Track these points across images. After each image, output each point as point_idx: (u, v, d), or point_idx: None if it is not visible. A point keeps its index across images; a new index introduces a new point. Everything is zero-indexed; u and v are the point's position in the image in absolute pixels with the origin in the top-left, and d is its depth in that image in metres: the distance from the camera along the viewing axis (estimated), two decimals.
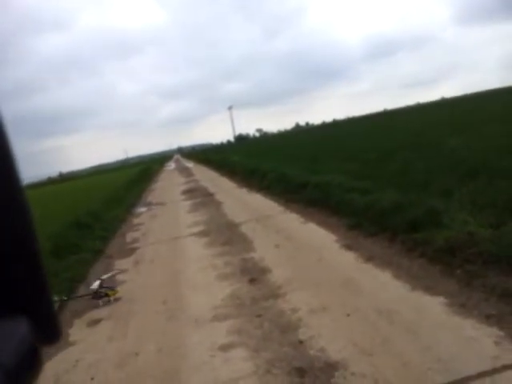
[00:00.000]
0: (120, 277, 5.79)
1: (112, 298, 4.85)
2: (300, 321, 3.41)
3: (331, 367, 2.70)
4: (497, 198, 4.85)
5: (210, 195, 12.68)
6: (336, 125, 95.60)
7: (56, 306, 4.76)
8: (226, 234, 6.96)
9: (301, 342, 3.09)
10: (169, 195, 15.60)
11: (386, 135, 20.40)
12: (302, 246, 5.52)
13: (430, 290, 3.51)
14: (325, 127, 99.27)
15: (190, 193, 14.57)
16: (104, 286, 4.99)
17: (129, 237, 8.80)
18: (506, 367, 2.35)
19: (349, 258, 4.71)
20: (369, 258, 4.54)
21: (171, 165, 52.48)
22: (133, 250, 7.38)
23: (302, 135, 58.07)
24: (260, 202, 9.74)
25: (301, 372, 2.72)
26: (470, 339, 2.70)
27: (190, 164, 42.24)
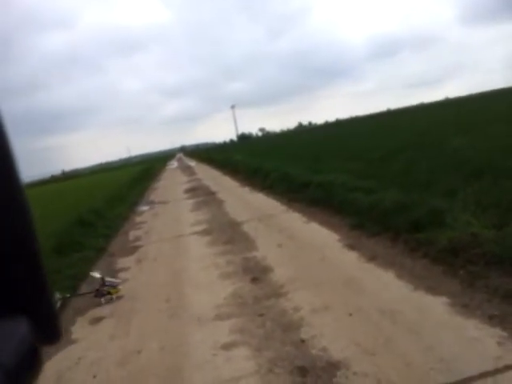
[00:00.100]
0: (122, 275, 5.80)
1: (114, 296, 4.87)
2: (302, 320, 3.41)
3: (333, 367, 2.70)
4: (501, 198, 4.83)
5: (213, 194, 12.69)
6: (339, 124, 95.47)
7: (59, 303, 4.77)
8: (228, 233, 6.96)
9: (303, 341, 3.09)
10: (171, 194, 15.62)
11: (390, 135, 20.35)
12: (304, 246, 5.51)
13: (433, 290, 3.50)
14: (328, 127, 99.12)
15: (192, 191, 14.58)
16: (106, 283, 5.00)
17: (131, 235, 8.82)
18: (508, 368, 2.35)
19: (351, 258, 4.70)
20: (371, 258, 4.53)
21: (174, 163, 52.55)
22: (135, 248, 7.40)
23: (305, 134, 58.02)
24: (262, 201, 9.74)
25: (303, 371, 2.71)
26: (473, 339, 2.69)
27: (192, 163, 42.27)
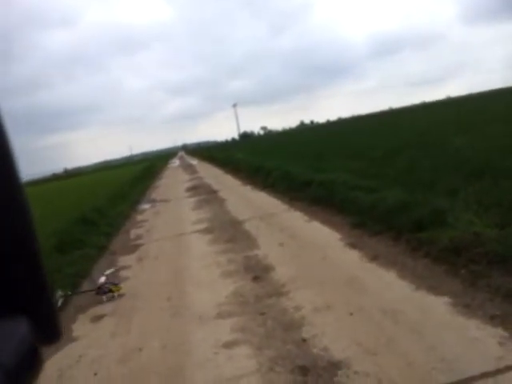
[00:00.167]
0: (124, 273, 5.81)
1: (116, 294, 4.87)
2: (303, 319, 3.41)
3: (334, 366, 2.69)
4: (502, 198, 4.81)
5: (214, 192, 12.69)
6: (341, 123, 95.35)
7: (60, 301, 4.78)
8: (229, 232, 6.96)
9: (304, 340, 3.08)
10: (173, 192, 15.63)
11: (391, 134, 20.32)
12: (306, 245, 5.51)
13: (435, 289, 3.49)
14: (330, 125, 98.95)
15: (194, 190, 14.58)
16: (108, 281, 5.01)
17: (133, 233, 8.83)
18: (509, 368, 2.34)
19: (353, 257, 4.69)
20: (373, 257, 4.52)
21: (175, 162, 52.61)
22: (137, 247, 7.41)
23: (307, 133, 57.96)
24: (264, 200, 9.74)
25: (304, 370, 2.71)
26: (474, 339, 2.68)
27: (194, 161, 42.29)
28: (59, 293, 4.83)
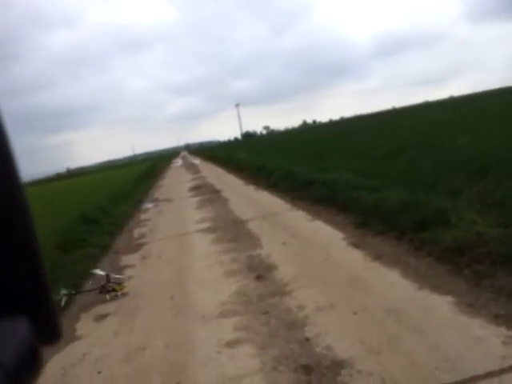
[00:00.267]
0: (127, 272, 5.82)
1: (119, 293, 4.88)
2: (306, 318, 3.41)
3: (338, 365, 2.69)
4: (505, 197, 4.79)
5: (217, 192, 12.69)
6: (344, 122, 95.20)
7: (64, 300, 4.80)
8: (232, 231, 6.96)
9: (307, 339, 3.08)
10: (176, 192, 15.65)
11: (394, 133, 20.29)
12: (308, 244, 5.50)
13: (438, 289, 3.48)
14: (332, 125, 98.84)
15: (196, 189, 14.60)
16: (111, 280, 5.02)
17: (136, 232, 8.85)
18: None
19: (356, 256, 4.69)
20: (376, 257, 4.51)
21: (178, 161, 52.66)
22: (140, 246, 7.42)
23: (309, 133, 57.93)
24: (267, 200, 9.74)
25: (307, 369, 2.71)
26: (478, 339, 2.67)
27: (196, 161, 42.33)
28: (63, 292, 4.84)
